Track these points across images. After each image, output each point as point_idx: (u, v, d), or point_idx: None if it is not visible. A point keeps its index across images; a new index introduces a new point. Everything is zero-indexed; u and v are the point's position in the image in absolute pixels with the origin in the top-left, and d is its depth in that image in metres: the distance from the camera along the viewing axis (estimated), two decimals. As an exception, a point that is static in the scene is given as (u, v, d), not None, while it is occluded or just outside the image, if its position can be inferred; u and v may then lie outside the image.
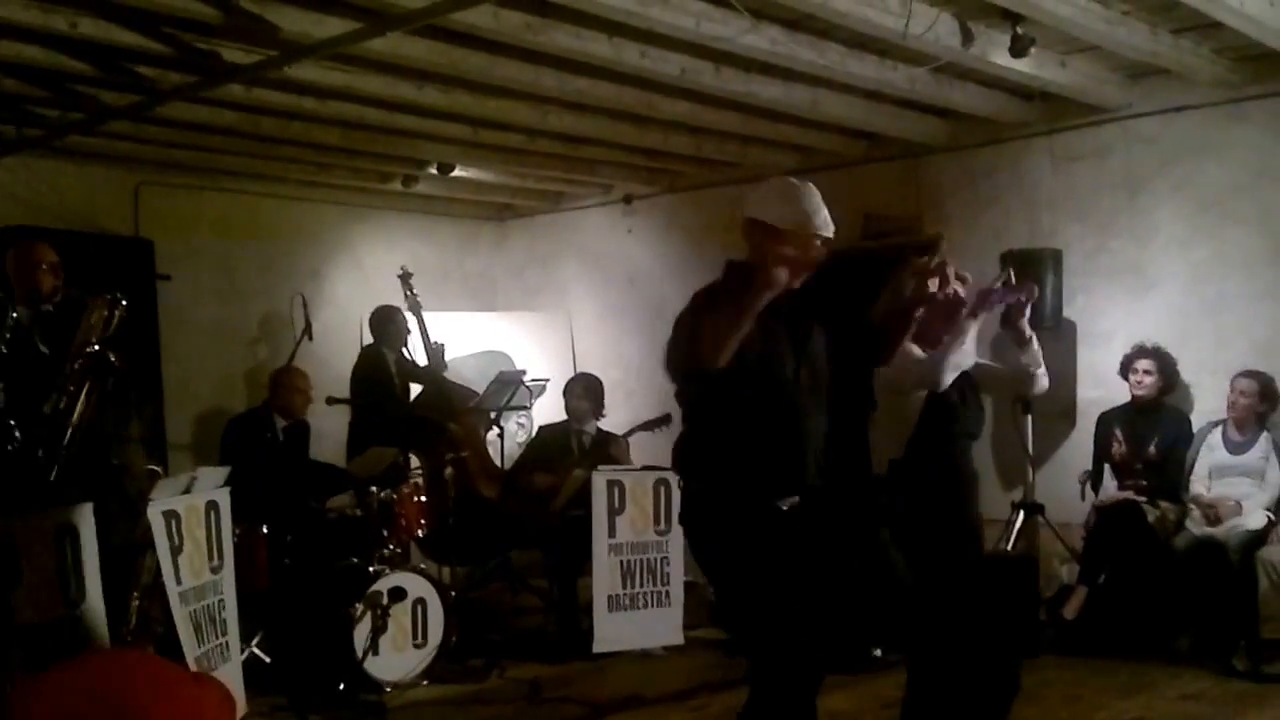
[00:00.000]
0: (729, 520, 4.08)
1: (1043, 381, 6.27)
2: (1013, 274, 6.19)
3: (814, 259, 4.09)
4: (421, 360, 9.24)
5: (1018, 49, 6.75)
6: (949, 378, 5.54)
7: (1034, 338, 6.10)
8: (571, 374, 9.60)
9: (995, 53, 7.01)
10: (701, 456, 4.18)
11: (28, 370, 5.89)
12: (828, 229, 4.09)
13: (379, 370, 9.14)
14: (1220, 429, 7.57)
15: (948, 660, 4.32)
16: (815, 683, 4.10)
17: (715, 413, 4.10)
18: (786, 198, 4.09)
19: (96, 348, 5.93)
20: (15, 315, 5.99)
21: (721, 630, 8.05)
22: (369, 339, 9.59)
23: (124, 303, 6.05)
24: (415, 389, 9.34)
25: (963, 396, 6.04)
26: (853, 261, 5.03)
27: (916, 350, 5.66)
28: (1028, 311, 5.87)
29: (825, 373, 4.25)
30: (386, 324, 9.28)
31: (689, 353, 3.95)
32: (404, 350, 9.23)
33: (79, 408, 5.85)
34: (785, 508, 4.11)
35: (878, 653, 7.08)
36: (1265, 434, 7.44)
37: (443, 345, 9.18)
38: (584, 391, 8.63)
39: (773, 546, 4.03)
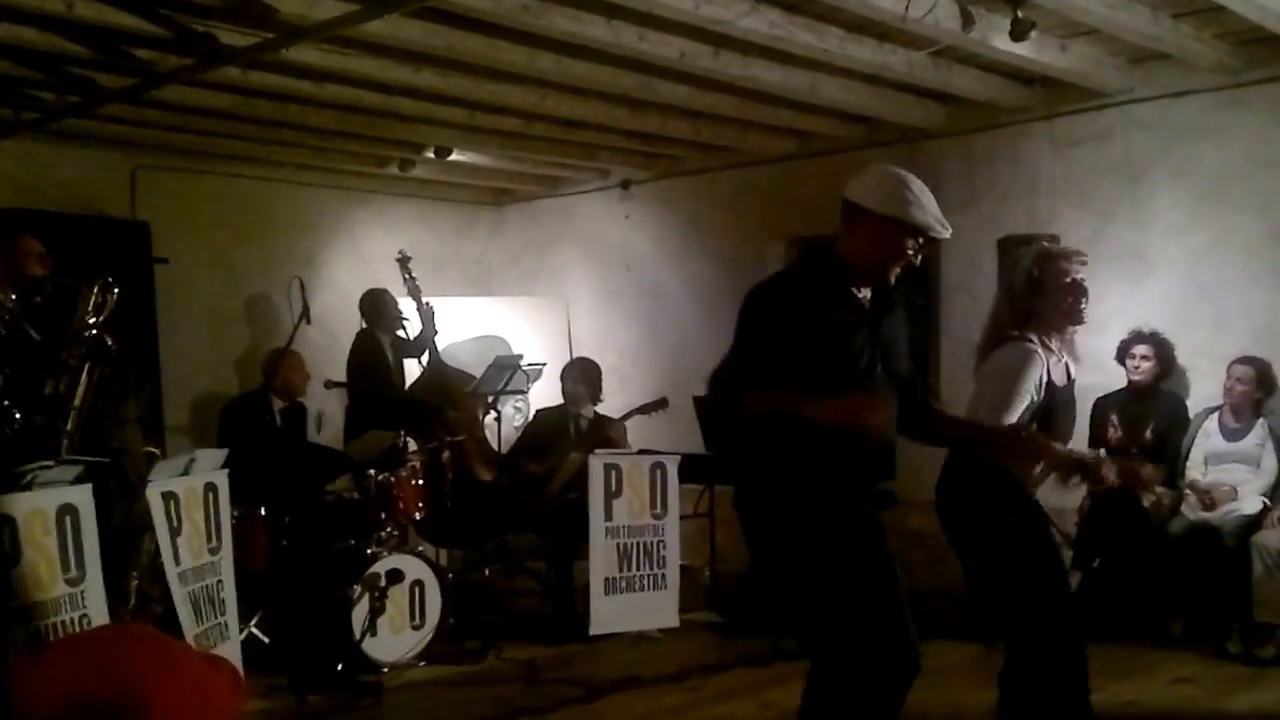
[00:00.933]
0: (820, 514, 3.99)
1: None
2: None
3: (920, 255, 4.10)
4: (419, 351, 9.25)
5: (1018, 33, 6.73)
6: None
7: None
8: (568, 359, 9.60)
9: (995, 36, 6.99)
10: (781, 448, 4.00)
11: (21, 357, 5.89)
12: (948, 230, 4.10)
13: (374, 354, 9.14)
14: (1216, 415, 7.60)
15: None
16: (908, 681, 4.07)
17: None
18: (926, 199, 4.06)
19: (94, 332, 5.94)
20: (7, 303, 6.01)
21: (716, 613, 8.11)
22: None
23: (115, 286, 6.06)
24: (412, 374, 9.36)
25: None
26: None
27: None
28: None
29: (899, 370, 4.24)
30: (377, 306, 9.27)
31: (734, 399, 3.95)
32: (399, 332, 9.21)
33: (80, 391, 5.87)
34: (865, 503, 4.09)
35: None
36: (1261, 420, 7.46)
37: (435, 330, 9.17)
38: (580, 375, 8.65)
39: (859, 541, 4.01)
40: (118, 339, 6.07)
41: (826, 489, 3.98)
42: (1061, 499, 4.95)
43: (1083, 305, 4.75)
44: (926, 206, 4.03)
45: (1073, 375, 4.85)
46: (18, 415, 5.62)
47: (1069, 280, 4.71)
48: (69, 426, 5.87)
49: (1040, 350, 4.65)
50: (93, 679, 1.76)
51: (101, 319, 6.03)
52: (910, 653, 4.02)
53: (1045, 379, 4.63)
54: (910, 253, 4.04)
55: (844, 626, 3.97)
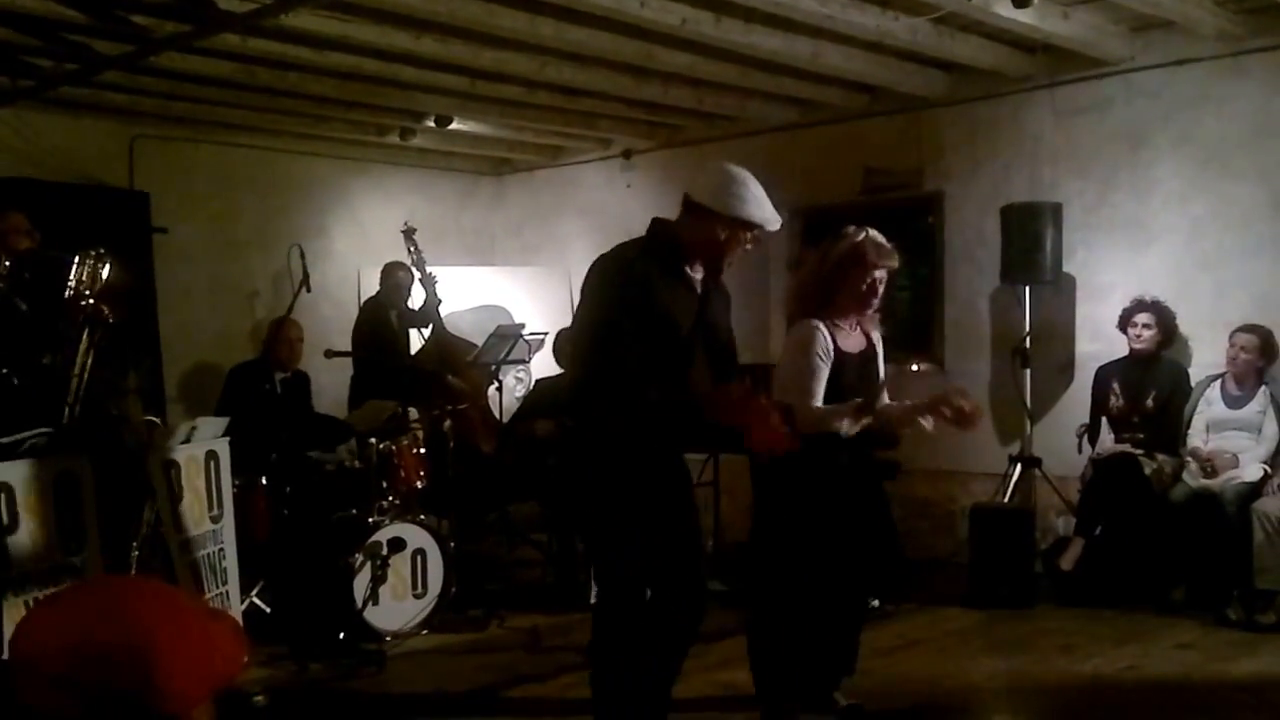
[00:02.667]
0: (619, 460, 4.34)
1: None
2: None
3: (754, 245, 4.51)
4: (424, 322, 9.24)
5: (1020, 0, 6.72)
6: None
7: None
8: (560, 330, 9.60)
9: (998, 4, 7.01)
10: (597, 400, 4.37)
11: (10, 329, 5.87)
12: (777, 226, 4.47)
13: (381, 324, 9.15)
14: (1219, 383, 7.60)
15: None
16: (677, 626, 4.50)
17: (621, 366, 4.26)
18: (756, 196, 4.39)
19: (90, 302, 5.92)
20: None
21: (720, 581, 8.11)
22: (368, 293, 9.60)
23: (107, 256, 6.03)
24: (416, 345, 9.36)
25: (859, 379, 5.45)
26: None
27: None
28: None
29: (720, 349, 4.57)
30: (392, 279, 9.32)
31: (626, 389, 4.27)
32: (406, 305, 9.22)
33: (78, 360, 5.84)
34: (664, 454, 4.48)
35: (875, 603, 7.13)
36: (1264, 388, 7.45)
37: (439, 300, 9.17)
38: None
39: (656, 486, 4.38)
40: (116, 308, 6.04)
41: (631, 441, 4.34)
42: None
43: (874, 300, 5.20)
44: (761, 203, 4.38)
45: (875, 345, 5.32)
46: (16, 381, 5.61)
47: (868, 282, 5.12)
48: (70, 398, 5.85)
49: (824, 327, 5.10)
50: (99, 625, 1.77)
51: (97, 289, 6.00)
52: (678, 598, 4.44)
53: (831, 348, 5.08)
54: (745, 246, 4.44)
55: (621, 565, 4.43)
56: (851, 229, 5.22)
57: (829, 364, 5.08)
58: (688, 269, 4.43)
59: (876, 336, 5.35)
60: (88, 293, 5.92)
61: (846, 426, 5.04)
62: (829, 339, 5.09)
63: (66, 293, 5.90)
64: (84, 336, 5.86)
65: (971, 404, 5.05)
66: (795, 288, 5.49)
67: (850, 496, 5.20)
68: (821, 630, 5.31)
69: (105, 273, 5.94)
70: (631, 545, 4.36)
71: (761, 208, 4.38)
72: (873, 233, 5.18)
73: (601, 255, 4.45)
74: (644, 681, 4.46)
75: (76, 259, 5.94)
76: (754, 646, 5.47)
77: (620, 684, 4.45)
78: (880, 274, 5.14)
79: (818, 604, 5.23)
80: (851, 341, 5.20)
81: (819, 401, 5.06)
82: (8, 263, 6.09)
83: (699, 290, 4.47)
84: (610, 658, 4.46)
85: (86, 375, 5.87)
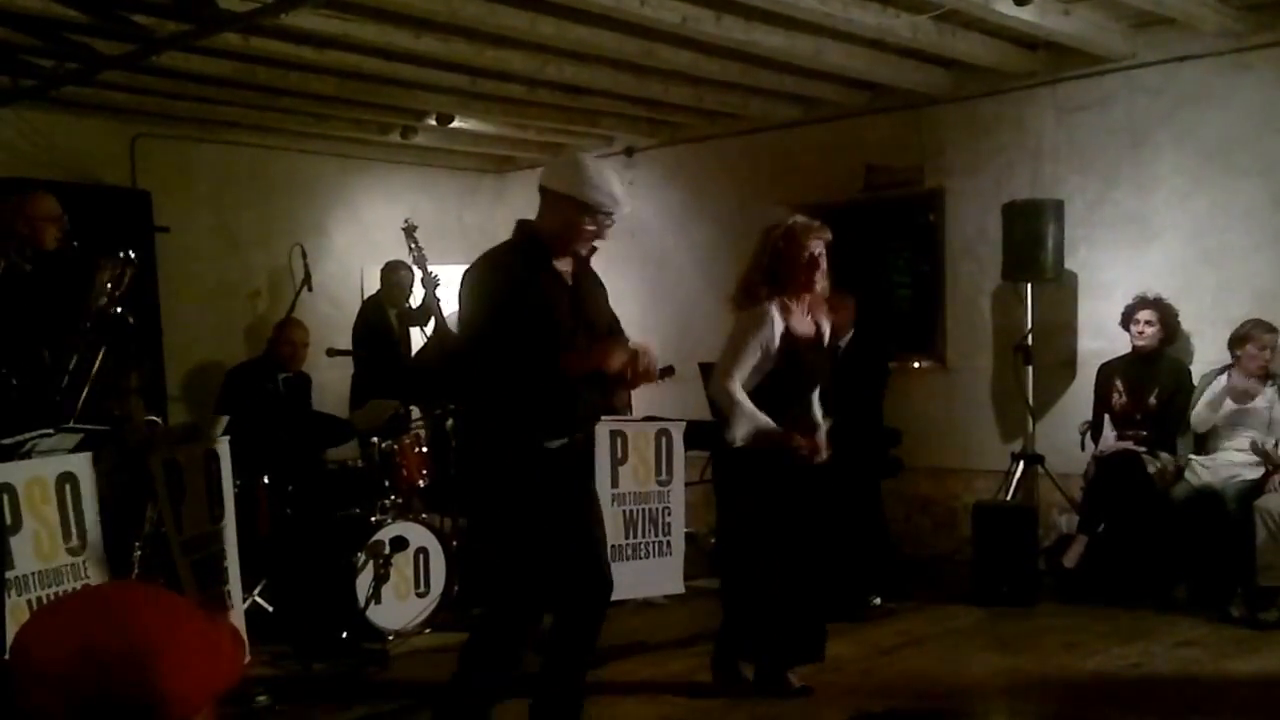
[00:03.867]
0: (504, 456, 4.50)
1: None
2: None
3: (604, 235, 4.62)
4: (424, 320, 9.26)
5: (1021, -3, 6.76)
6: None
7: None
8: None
9: (999, 1, 7.03)
10: (486, 400, 4.58)
11: (22, 322, 5.87)
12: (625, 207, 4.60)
13: (379, 323, 9.16)
14: (1225, 377, 7.53)
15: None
16: (536, 619, 4.76)
17: (500, 361, 4.46)
18: (600, 179, 4.50)
19: (118, 310, 5.92)
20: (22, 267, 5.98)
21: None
22: (370, 291, 9.62)
23: (135, 260, 6.04)
24: (417, 342, 9.37)
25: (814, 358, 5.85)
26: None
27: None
28: None
29: (601, 329, 4.71)
30: (392, 278, 9.37)
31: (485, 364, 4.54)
32: (407, 304, 9.25)
33: (96, 366, 5.83)
34: (553, 447, 4.52)
35: (877, 601, 7.15)
36: (1270, 383, 7.45)
37: (439, 300, 9.16)
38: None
39: (537, 481, 4.48)
40: (133, 313, 6.04)
41: (517, 434, 4.49)
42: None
43: (816, 276, 5.48)
44: (599, 185, 4.48)
45: (823, 331, 5.66)
46: (15, 381, 5.61)
47: (807, 255, 5.44)
48: (79, 404, 5.84)
49: (776, 312, 5.42)
50: (101, 631, 1.77)
51: (119, 293, 6.00)
52: (542, 586, 4.64)
53: (783, 331, 5.40)
54: (590, 228, 4.53)
55: (504, 555, 4.69)
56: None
57: (761, 353, 5.40)
58: (555, 262, 4.58)
59: (825, 327, 5.69)
60: (113, 296, 5.93)
61: (741, 435, 5.38)
62: (778, 324, 5.41)
63: (93, 298, 5.90)
64: (101, 343, 5.87)
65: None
66: (741, 280, 5.66)
67: (802, 490, 5.49)
68: (779, 613, 5.56)
69: (128, 278, 5.96)
70: (527, 552, 4.57)
71: (600, 190, 4.49)
72: (799, 216, 5.66)
73: (473, 261, 4.66)
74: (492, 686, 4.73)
75: (103, 262, 5.96)
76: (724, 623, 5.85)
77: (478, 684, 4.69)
78: (817, 248, 5.45)
79: (772, 590, 5.52)
80: (804, 325, 5.52)
81: (737, 383, 5.40)
82: (28, 265, 6.05)
83: (569, 281, 4.62)
84: (482, 660, 4.68)
85: (99, 381, 5.88)
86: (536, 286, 4.49)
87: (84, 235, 6.18)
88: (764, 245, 5.55)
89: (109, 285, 5.92)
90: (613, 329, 4.84)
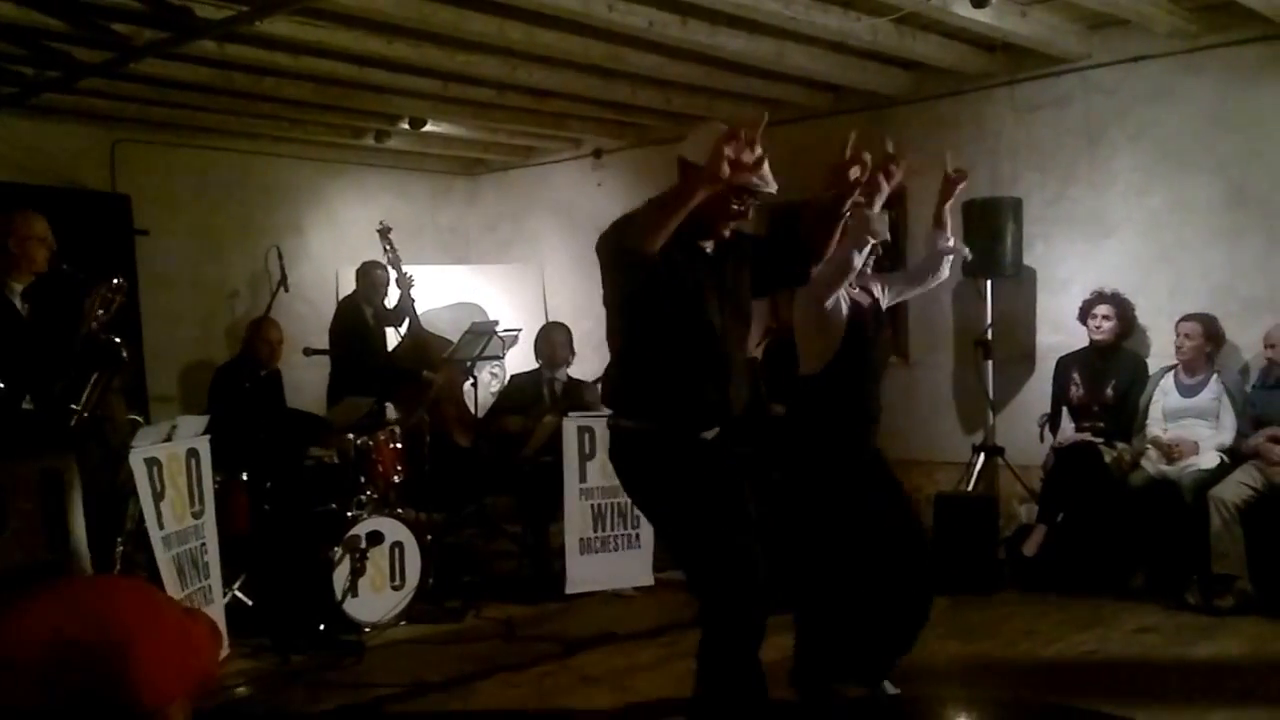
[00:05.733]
0: (659, 454, 4.21)
1: (944, 271, 5.76)
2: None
3: (747, 210, 4.25)
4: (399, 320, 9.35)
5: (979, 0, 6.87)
6: (858, 261, 5.02)
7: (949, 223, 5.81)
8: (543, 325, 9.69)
9: (957, 3, 7.14)
10: (633, 395, 4.31)
11: (8, 340, 5.94)
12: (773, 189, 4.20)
13: (356, 322, 9.26)
14: (1173, 373, 7.71)
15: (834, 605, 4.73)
16: (765, 606, 4.17)
17: (645, 352, 4.24)
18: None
19: (115, 339, 5.95)
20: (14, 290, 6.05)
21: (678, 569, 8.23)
22: (345, 292, 9.70)
23: (123, 286, 6.09)
24: (392, 341, 9.46)
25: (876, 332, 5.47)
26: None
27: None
28: (957, 190, 5.69)
29: (747, 313, 4.44)
30: (367, 278, 9.42)
31: (623, 232, 4.08)
32: (383, 303, 9.33)
33: (89, 394, 5.82)
34: (708, 437, 4.25)
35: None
36: (1215, 376, 7.59)
37: (413, 300, 9.25)
38: (568, 339, 8.73)
39: (699, 474, 4.17)
40: (124, 341, 6.08)
41: (669, 429, 4.21)
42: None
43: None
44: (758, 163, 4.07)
45: (877, 296, 5.39)
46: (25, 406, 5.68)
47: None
48: (74, 424, 5.85)
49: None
50: (77, 623, 1.84)
51: (108, 318, 6.04)
52: (748, 579, 4.11)
53: (849, 304, 5.15)
54: (737, 208, 4.20)
55: (695, 554, 4.21)
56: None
57: (844, 311, 5.10)
58: (695, 240, 4.23)
59: (878, 290, 5.42)
60: (101, 321, 5.99)
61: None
62: (843, 297, 5.11)
63: (84, 324, 5.95)
64: (93, 371, 5.92)
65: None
66: None
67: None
68: (862, 617, 5.21)
69: (116, 303, 6.03)
70: (710, 535, 4.15)
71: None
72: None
73: (607, 230, 4.22)
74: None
75: (95, 290, 5.99)
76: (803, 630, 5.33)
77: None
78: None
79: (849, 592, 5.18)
80: (861, 297, 5.27)
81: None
82: (19, 287, 6.11)
83: (711, 259, 4.30)
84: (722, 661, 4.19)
85: (93, 410, 5.92)
86: (670, 260, 4.05)
87: (71, 255, 6.23)
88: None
89: (99, 311, 5.99)
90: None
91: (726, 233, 4.31)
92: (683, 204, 3.89)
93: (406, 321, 9.16)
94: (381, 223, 9.33)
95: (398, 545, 7.04)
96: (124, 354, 5.96)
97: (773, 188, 4.17)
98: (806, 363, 5.26)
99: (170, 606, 2.07)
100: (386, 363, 9.00)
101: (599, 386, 8.46)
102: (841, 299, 5.12)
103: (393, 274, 9.18)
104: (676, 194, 3.93)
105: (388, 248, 9.15)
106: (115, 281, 6.03)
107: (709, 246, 4.30)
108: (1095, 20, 8.02)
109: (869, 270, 5.34)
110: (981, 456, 8.46)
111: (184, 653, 2.00)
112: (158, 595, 2.11)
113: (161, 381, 10.03)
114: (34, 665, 1.84)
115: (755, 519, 4.24)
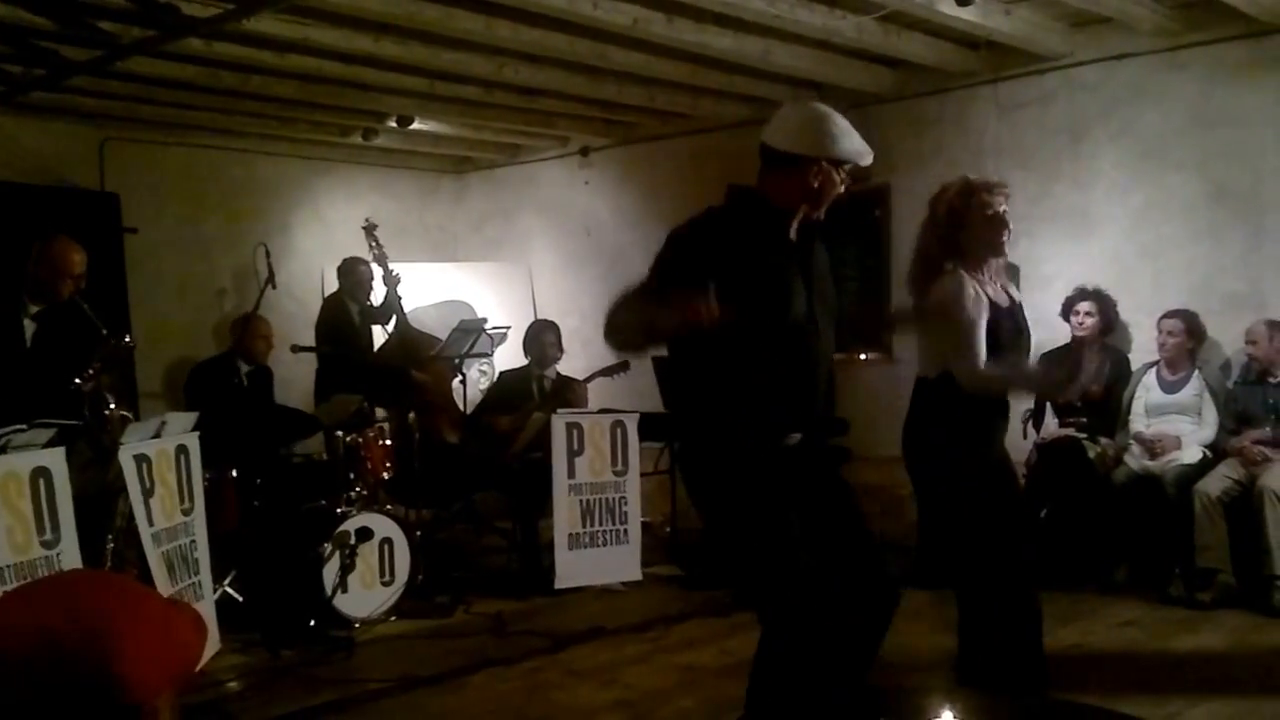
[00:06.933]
0: (738, 460, 3.86)
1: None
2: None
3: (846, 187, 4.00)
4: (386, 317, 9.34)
5: (963, -2, 6.92)
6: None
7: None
8: (532, 323, 9.70)
9: (941, 2, 7.17)
10: (709, 397, 3.92)
11: (9, 364, 5.97)
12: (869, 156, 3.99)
13: (342, 319, 9.27)
14: (1155, 369, 7.77)
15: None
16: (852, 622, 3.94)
17: (722, 351, 3.80)
18: (844, 128, 3.95)
19: (92, 384, 6.01)
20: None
21: (677, 566, 8.26)
22: (332, 289, 9.70)
23: (132, 345, 6.21)
24: (379, 338, 9.47)
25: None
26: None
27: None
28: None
29: (834, 303, 4.12)
30: (351, 275, 9.42)
31: (608, 333, 3.89)
32: (369, 301, 9.34)
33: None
34: (791, 444, 3.94)
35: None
36: (1197, 372, 7.65)
37: (400, 298, 9.25)
38: (558, 338, 8.77)
39: (780, 483, 3.86)
40: (111, 390, 6.11)
41: (751, 434, 3.86)
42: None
43: (1004, 237, 4.89)
44: (852, 135, 3.94)
45: (1016, 299, 5.03)
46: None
47: (990, 213, 4.85)
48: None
49: (968, 276, 4.80)
50: (61, 618, 1.85)
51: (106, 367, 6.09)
52: (832, 592, 3.86)
53: (985, 299, 4.78)
54: (840, 185, 3.96)
55: (768, 575, 3.88)
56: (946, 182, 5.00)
57: (985, 314, 4.75)
58: (783, 230, 3.97)
59: (1015, 292, 5.08)
60: (98, 373, 6.03)
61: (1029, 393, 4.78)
62: (978, 286, 4.79)
63: (84, 379, 5.98)
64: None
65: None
66: (917, 257, 5.05)
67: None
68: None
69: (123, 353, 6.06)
70: (766, 550, 3.86)
71: (853, 140, 3.93)
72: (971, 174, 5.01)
73: (676, 227, 4.00)
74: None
75: (104, 345, 6.06)
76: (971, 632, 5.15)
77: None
78: (1001, 204, 4.86)
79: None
80: (998, 295, 4.90)
81: (982, 357, 4.71)
82: (34, 308, 6.12)
83: (797, 250, 4.00)
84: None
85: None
86: (765, 259, 3.86)
87: (91, 295, 6.27)
88: (936, 211, 4.94)
89: (99, 365, 6.05)
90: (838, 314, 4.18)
91: (821, 214, 4.01)
92: (663, 330, 3.72)
93: (393, 319, 9.16)
94: (367, 220, 9.32)
95: (387, 541, 7.07)
96: (109, 403, 6.02)
97: (869, 158, 3.98)
98: (944, 359, 4.90)
99: (154, 600, 2.09)
100: (373, 361, 9.00)
101: (585, 384, 8.61)
102: (974, 305, 4.78)
103: (379, 271, 9.18)
104: (652, 326, 3.73)
105: (373, 244, 9.13)
106: (125, 341, 6.13)
107: (794, 230, 4.00)
108: (1078, 18, 8.07)
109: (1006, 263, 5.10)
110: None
111: (168, 646, 2.01)
112: (141, 589, 2.13)
113: (150, 379, 10.03)
114: (20, 660, 1.85)
115: (856, 515, 4.05)
